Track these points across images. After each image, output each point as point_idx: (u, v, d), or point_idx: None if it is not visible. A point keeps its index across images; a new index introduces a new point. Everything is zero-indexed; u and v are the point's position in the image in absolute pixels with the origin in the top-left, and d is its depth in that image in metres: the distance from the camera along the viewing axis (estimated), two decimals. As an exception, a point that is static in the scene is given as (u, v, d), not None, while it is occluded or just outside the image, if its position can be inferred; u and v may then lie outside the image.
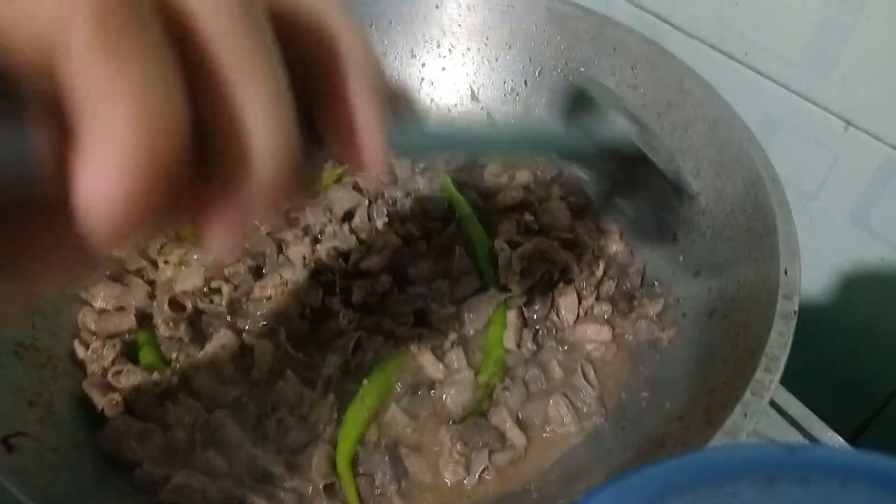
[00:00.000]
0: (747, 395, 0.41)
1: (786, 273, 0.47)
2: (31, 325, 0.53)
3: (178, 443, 0.50)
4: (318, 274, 0.60)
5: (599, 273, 0.61)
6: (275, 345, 0.55)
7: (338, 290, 0.59)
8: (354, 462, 0.51)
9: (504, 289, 0.59)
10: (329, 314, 0.58)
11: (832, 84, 0.63)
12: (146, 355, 0.55)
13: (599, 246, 0.64)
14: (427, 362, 0.56)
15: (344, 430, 0.52)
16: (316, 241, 0.63)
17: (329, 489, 0.48)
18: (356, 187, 0.68)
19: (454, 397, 0.54)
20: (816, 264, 0.72)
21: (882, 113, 0.61)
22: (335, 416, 0.52)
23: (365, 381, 0.54)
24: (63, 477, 0.45)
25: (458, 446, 0.51)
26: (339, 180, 0.70)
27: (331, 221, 0.65)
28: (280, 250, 0.62)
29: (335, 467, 0.50)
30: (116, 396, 0.51)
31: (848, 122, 0.64)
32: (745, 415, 0.41)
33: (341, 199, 0.66)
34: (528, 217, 0.67)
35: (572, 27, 0.71)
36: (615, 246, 0.64)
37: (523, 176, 0.70)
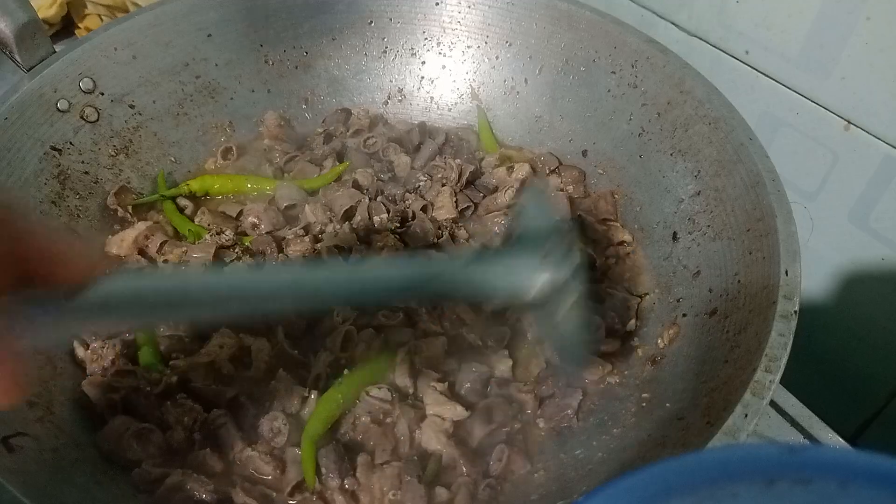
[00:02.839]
0: (747, 396, 0.41)
1: (786, 273, 0.47)
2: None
3: (176, 443, 0.50)
4: None
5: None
6: (272, 343, 0.55)
7: None
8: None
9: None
10: (326, 312, 0.58)
11: (832, 83, 0.63)
12: (145, 355, 0.55)
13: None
14: (399, 374, 0.55)
15: (316, 409, 0.51)
16: (316, 239, 0.63)
17: (300, 486, 0.48)
18: (356, 185, 0.68)
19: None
20: (816, 264, 0.72)
21: (882, 112, 0.61)
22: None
23: (346, 371, 0.54)
24: (63, 477, 0.45)
25: (392, 495, 0.48)
26: (338, 179, 0.70)
27: (331, 220, 0.65)
28: (280, 249, 0.62)
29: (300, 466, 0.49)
30: (115, 396, 0.51)
31: (848, 122, 0.63)
32: (746, 415, 0.41)
33: (341, 197, 0.66)
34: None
35: (573, 25, 0.71)
36: (620, 234, 0.65)
37: (522, 170, 0.71)
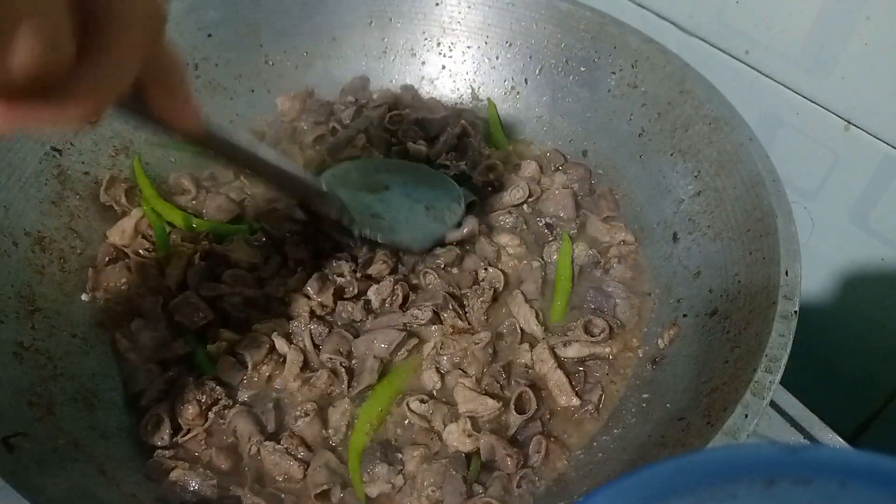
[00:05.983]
0: (748, 396, 0.41)
1: (786, 273, 0.47)
2: (30, 326, 0.53)
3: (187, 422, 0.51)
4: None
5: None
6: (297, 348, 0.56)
7: (355, 292, 0.58)
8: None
9: None
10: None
11: (832, 83, 0.63)
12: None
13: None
14: (427, 377, 0.55)
15: (358, 423, 0.52)
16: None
17: (322, 497, 0.48)
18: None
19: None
20: (816, 264, 0.72)
21: (882, 112, 0.61)
22: (347, 421, 0.52)
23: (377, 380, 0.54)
24: (63, 477, 0.45)
25: (431, 491, 0.48)
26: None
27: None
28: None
29: (332, 473, 0.49)
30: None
31: (848, 122, 0.63)
32: (746, 415, 0.41)
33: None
34: (526, 209, 0.68)
35: (573, 25, 0.71)
36: (622, 234, 0.65)
37: (529, 168, 0.71)
